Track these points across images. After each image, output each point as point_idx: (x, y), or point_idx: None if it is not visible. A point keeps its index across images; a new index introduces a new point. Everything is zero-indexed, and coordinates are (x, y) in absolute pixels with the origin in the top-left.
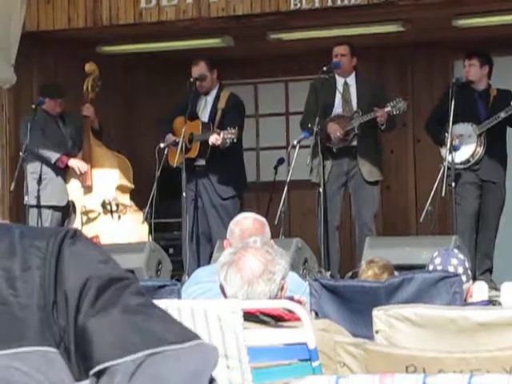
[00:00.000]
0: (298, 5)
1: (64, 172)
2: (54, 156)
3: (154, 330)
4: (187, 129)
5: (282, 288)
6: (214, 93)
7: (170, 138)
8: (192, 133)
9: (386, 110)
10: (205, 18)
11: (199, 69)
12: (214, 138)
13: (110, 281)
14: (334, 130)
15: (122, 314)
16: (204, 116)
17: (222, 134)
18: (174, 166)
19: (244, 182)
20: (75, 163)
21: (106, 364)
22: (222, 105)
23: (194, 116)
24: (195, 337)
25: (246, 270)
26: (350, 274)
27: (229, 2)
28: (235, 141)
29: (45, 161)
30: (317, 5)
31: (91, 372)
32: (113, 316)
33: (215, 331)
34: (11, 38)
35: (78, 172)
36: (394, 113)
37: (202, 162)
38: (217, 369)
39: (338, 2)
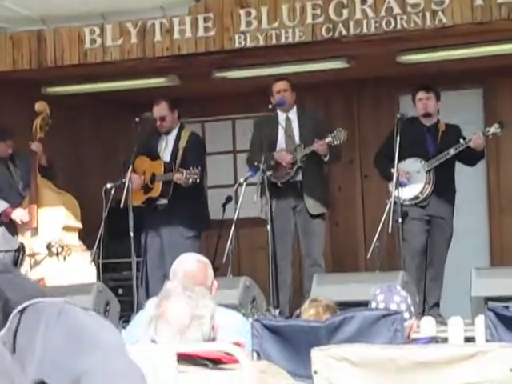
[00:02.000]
0: (243, 43)
1: None
2: None
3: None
4: (150, 168)
5: (213, 327)
6: (174, 132)
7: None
8: (154, 173)
9: (327, 140)
10: (149, 58)
11: (160, 108)
12: (177, 178)
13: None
14: (283, 157)
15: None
16: (166, 155)
17: (184, 174)
18: (134, 205)
19: (207, 220)
20: (17, 215)
21: (33, 301)
22: (183, 144)
23: (155, 156)
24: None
25: (175, 321)
26: (298, 312)
27: (173, 41)
28: (198, 181)
29: None
30: (261, 43)
31: (15, 311)
32: (16, 276)
33: (149, 377)
34: None
35: (20, 223)
36: (335, 143)
37: (163, 201)
38: None
39: (283, 40)
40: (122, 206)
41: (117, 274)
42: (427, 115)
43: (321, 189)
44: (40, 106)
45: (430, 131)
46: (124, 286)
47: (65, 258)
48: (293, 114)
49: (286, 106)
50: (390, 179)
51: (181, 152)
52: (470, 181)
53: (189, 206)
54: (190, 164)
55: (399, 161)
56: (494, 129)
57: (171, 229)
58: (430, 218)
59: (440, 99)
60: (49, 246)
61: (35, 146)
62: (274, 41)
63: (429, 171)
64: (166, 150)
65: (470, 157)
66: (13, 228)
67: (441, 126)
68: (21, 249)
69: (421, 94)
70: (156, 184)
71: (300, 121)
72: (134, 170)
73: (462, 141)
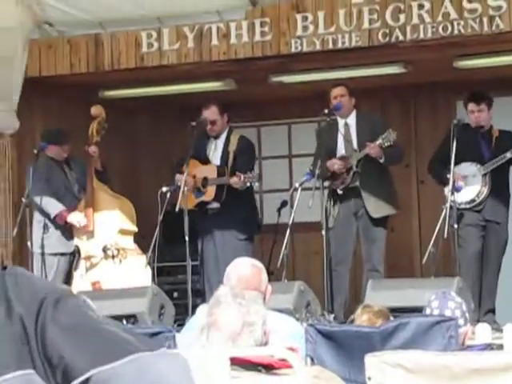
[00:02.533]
0: (299, 48)
1: None
2: (53, 211)
3: (127, 338)
4: (201, 172)
5: (265, 332)
6: (223, 136)
7: (178, 178)
8: (206, 177)
9: (378, 142)
10: (206, 62)
11: (211, 112)
12: (234, 181)
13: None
14: (332, 164)
15: (89, 323)
16: (215, 159)
17: (242, 178)
18: (184, 208)
19: (258, 224)
20: (74, 219)
21: (95, 371)
22: (233, 147)
23: (204, 159)
24: (157, 345)
25: (226, 329)
26: (352, 317)
27: (230, 45)
28: (257, 184)
29: (45, 214)
30: (318, 47)
31: (75, 382)
32: (80, 326)
33: (201, 380)
34: (13, 83)
35: (78, 226)
36: (385, 144)
37: (215, 205)
38: None
39: (339, 45)
40: (177, 209)
41: (172, 278)
42: (481, 127)
43: (381, 192)
44: (96, 110)
45: (483, 137)
46: (179, 290)
47: (120, 261)
48: (351, 120)
49: (342, 111)
50: (445, 184)
51: (231, 155)
52: None
53: (241, 210)
54: (242, 167)
55: (454, 165)
56: None
57: (224, 232)
58: (485, 223)
59: (492, 105)
60: (105, 249)
61: (92, 150)
62: (330, 45)
63: (485, 175)
64: (215, 153)
65: None
66: (68, 231)
67: (494, 132)
68: (76, 252)
69: (472, 107)
70: (209, 188)
71: (358, 125)
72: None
73: None
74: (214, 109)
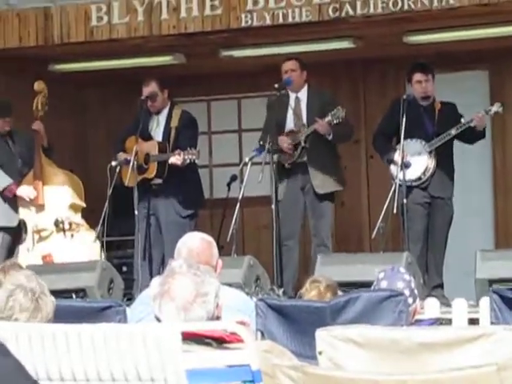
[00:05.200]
0: (249, 22)
1: None
2: (1, 184)
3: None
4: (143, 149)
5: (217, 305)
6: (165, 112)
7: (121, 156)
8: (148, 153)
9: (327, 119)
10: (156, 36)
11: (151, 88)
12: (175, 159)
13: None
14: (283, 142)
15: None
16: (157, 135)
17: (182, 155)
18: (127, 184)
19: (201, 199)
20: (24, 192)
21: None
22: (175, 123)
23: (147, 136)
24: None
25: (179, 298)
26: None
27: (180, 19)
28: (197, 161)
29: None
30: (268, 22)
31: None
32: None
33: (154, 355)
34: None
35: (28, 199)
36: (334, 121)
37: (158, 181)
38: None
39: (289, 19)
40: (126, 184)
41: (121, 252)
42: (427, 98)
43: (328, 168)
44: (39, 85)
45: (426, 111)
46: (128, 264)
47: (72, 236)
48: (302, 94)
49: (293, 86)
50: (390, 161)
51: (173, 131)
52: (475, 161)
53: (184, 186)
54: (184, 143)
55: (399, 142)
56: (497, 107)
57: (168, 207)
58: (431, 199)
59: (434, 77)
60: (57, 223)
61: (37, 125)
62: (280, 20)
63: (430, 152)
64: (157, 129)
65: (470, 136)
66: (14, 204)
67: (436, 105)
68: (22, 225)
69: (419, 76)
70: (151, 165)
71: (309, 100)
72: (125, 151)
73: (463, 120)
74: (154, 84)
